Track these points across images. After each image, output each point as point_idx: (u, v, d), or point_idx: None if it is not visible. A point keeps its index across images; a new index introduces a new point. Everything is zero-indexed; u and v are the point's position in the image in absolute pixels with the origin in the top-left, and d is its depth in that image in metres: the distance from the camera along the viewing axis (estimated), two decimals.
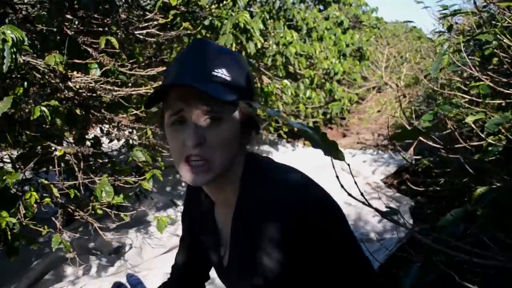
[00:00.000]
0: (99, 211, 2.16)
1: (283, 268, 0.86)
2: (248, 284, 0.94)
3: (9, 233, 1.63)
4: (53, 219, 2.17)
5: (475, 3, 1.60)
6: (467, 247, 0.54)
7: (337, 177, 0.68)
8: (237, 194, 0.93)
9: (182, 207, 1.18)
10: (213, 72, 0.83)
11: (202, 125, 0.83)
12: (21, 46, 1.40)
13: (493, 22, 1.77)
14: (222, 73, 0.84)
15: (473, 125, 1.36)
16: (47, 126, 1.98)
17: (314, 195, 0.85)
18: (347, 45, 6.86)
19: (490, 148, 1.40)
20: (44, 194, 2.11)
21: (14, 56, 1.36)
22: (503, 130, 1.24)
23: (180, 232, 1.23)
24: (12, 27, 1.38)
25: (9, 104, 1.60)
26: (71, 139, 2.52)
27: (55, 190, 1.96)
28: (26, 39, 1.42)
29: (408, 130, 0.52)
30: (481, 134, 1.32)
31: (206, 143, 0.83)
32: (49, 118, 1.75)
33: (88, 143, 2.60)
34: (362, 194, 0.64)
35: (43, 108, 1.74)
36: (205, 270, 1.24)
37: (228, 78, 0.84)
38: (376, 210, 0.65)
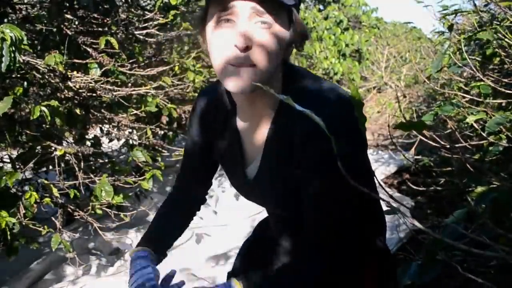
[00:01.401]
0: (99, 211, 2.16)
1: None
2: (277, 195, 0.93)
3: (8, 233, 1.62)
4: (53, 219, 2.17)
5: (474, 4, 1.60)
6: (466, 248, 0.54)
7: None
8: (274, 108, 0.88)
9: (190, 116, 1.11)
10: None
11: (252, 27, 0.77)
12: (20, 45, 1.39)
13: (494, 22, 1.77)
14: None
15: (474, 125, 1.36)
16: (47, 126, 1.98)
17: (349, 115, 0.78)
18: (347, 45, 6.86)
19: (490, 148, 1.39)
20: (44, 194, 2.11)
21: (13, 55, 1.36)
22: (504, 130, 1.24)
23: None
24: (11, 26, 1.38)
25: (9, 104, 1.60)
26: (71, 139, 2.52)
27: (54, 190, 1.95)
28: (25, 38, 1.41)
29: (413, 122, 0.51)
30: (482, 133, 1.31)
31: (254, 46, 0.77)
32: (49, 118, 1.75)
33: (88, 143, 2.60)
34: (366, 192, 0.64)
35: (43, 108, 1.73)
36: (206, 186, 1.21)
37: None
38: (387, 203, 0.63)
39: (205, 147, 1.08)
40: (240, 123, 0.97)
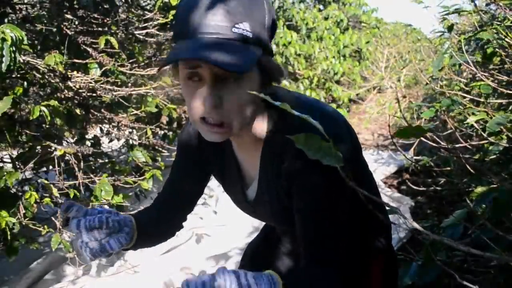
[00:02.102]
0: None
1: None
2: (278, 215, 0.96)
3: (8, 233, 1.62)
4: (53, 219, 2.17)
5: (475, 4, 1.60)
6: (466, 249, 0.54)
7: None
8: (263, 134, 0.90)
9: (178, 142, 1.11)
10: (233, 29, 0.75)
11: (219, 85, 0.77)
12: (20, 45, 1.40)
13: (494, 22, 1.77)
14: (244, 28, 0.75)
15: (475, 125, 1.36)
16: (47, 126, 1.98)
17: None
18: (346, 46, 6.86)
19: (490, 148, 1.39)
20: (44, 194, 2.11)
21: (13, 55, 1.36)
22: (504, 130, 1.24)
23: (179, 233, 1.21)
24: (12, 26, 1.38)
25: (9, 104, 1.60)
26: (71, 139, 2.52)
27: (54, 190, 1.95)
28: (25, 38, 1.41)
29: (412, 127, 0.52)
30: (483, 133, 1.31)
31: (223, 104, 0.78)
32: (49, 118, 1.75)
33: (88, 143, 2.60)
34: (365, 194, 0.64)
35: (43, 108, 1.73)
36: (188, 210, 1.18)
37: (250, 34, 0.76)
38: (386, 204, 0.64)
39: (198, 170, 1.10)
40: (236, 148, 1.00)
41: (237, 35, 0.75)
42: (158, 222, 1.12)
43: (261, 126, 0.90)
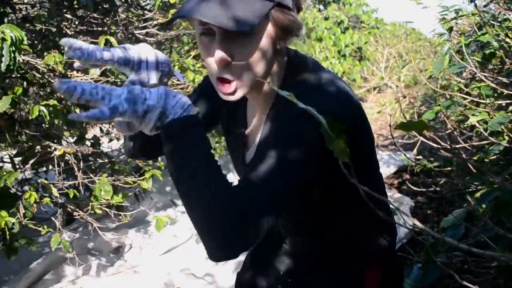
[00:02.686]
0: (98, 211, 2.15)
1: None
2: None
3: (7, 233, 1.62)
4: (53, 219, 2.17)
5: (475, 5, 1.60)
6: (466, 248, 0.54)
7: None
8: (273, 98, 0.88)
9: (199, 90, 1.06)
10: None
11: (229, 40, 0.75)
12: (20, 45, 1.40)
13: (494, 22, 1.77)
14: None
15: (477, 125, 1.35)
16: (46, 126, 1.98)
17: (346, 112, 0.78)
18: (347, 45, 6.86)
19: (491, 148, 1.39)
20: (44, 194, 2.11)
21: (13, 55, 1.35)
22: (505, 130, 1.24)
23: (179, 233, 1.22)
24: (11, 26, 1.38)
25: (8, 104, 1.60)
26: (70, 139, 2.52)
27: (54, 190, 1.95)
28: (25, 38, 1.41)
29: (414, 122, 0.51)
30: (484, 133, 1.31)
31: (234, 61, 0.76)
32: (48, 118, 1.75)
33: (88, 143, 2.60)
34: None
35: (42, 108, 1.73)
36: None
37: None
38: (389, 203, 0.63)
39: (210, 112, 1.05)
40: (249, 108, 0.98)
41: None
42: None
43: (279, 76, 0.87)
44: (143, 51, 0.83)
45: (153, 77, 0.83)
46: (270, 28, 0.78)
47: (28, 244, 1.91)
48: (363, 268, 0.99)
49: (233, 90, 0.79)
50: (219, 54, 0.75)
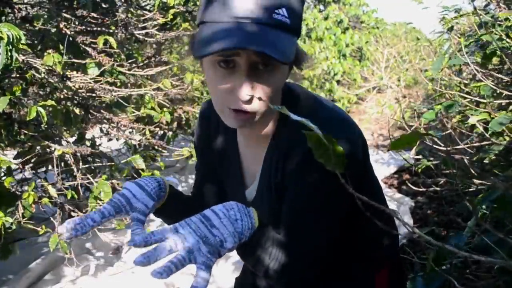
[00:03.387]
0: None
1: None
2: (275, 216, 0.91)
3: (3, 233, 1.61)
4: (52, 219, 2.17)
5: (474, 8, 1.59)
6: (467, 255, 0.53)
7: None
8: (272, 132, 0.87)
9: (195, 135, 1.07)
10: (273, 15, 0.69)
11: (254, 74, 0.73)
12: (18, 44, 1.39)
13: (494, 22, 1.76)
14: (283, 14, 0.70)
15: (478, 125, 1.35)
16: (45, 126, 1.97)
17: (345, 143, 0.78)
18: (347, 45, 6.85)
19: (491, 147, 1.39)
20: (43, 194, 2.10)
21: (9, 54, 1.35)
22: (506, 130, 1.23)
23: None
24: (9, 25, 1.37)
25: (5, 105, 1.59)
26: (70, 139, 2.51)
27: (52, 191, 1.95)
28: (23, 37, 1.41)
29: (407, 135, 0.50)
30: (485, 133, 1.31)
31: (256, 96, 0.75)
32: (45, 118, 1.74)
33: (87, 143, 2.59)
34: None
35: (40, 109, 1.72)
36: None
37: (288, 21, 0.71)
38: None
39: (207, 171, 1.08)
40: (241, 145, 0.97)
41: (277, 21, 0.70)
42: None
43: (272, 118, 0.87)
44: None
45: (150, 203, 0.88)
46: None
47: (25, 243, 1.89)
48: (373, 273, 1.00)
49: (248, 120, 0.78)
50: (247, 88, 0.72)
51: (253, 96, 0.74)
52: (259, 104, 0.76)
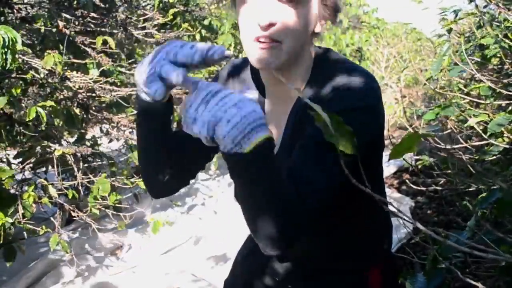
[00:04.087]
0: (95, 211, 2.15)
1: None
2: None
3: (3, 234, 1.61)
4: (52, 219, 2.17)
5: (476, 6, 1.59)
6: (469, 250, 0.53)
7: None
8: (304, 85, 0.86)
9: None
10: None
11: (277, 5, 0.76)
12: (14, 47, 1.38)
13: (494, 23, 1.76)
14: None
15: (475, 126, 1.35)
16: (45, 126, 1.97)
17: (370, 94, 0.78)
18: (347, 45, 6.85)
19: (490, 148, 1.39)
20: (43, 194, 2.10)
21: (4, 56, 1.35)
22: (505, 132, 1.23)
23: (178, 234, 1.20)
24: (5, 27, 1.37)
25: (2, 105, 1.59)
26: (70, 139, 2.52)
27: (53, 191, 1.95)
28: (20, 40, 1.40)
29: (406, 139, 0.50)
30: (483, 134, 1.31)
31: (279, 24, 0.76)
32: (45, 119, 1.73)
33: (87, 143, 2.59)
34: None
35: (39, 109, 1.72)
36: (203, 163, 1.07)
37: None
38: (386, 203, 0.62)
39: None
40: (268, 106, 0.95)
41: None
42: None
43: (301, 77, 0.86)
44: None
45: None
46: (316, 5, 0.80)
47: (13, 241, 1.87)
48: (366, 272, 0.99)
49: (271, 51, 0.77)
50: (267, 12, 0.75)
51: (275, 23, 0.76)
52: (282, 33, 0.76)
